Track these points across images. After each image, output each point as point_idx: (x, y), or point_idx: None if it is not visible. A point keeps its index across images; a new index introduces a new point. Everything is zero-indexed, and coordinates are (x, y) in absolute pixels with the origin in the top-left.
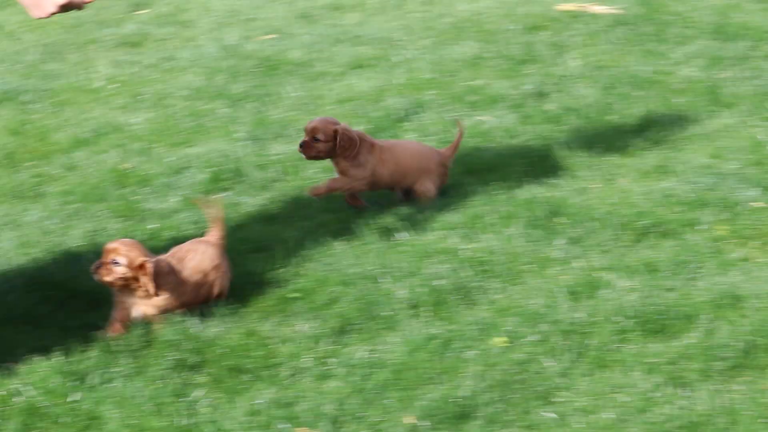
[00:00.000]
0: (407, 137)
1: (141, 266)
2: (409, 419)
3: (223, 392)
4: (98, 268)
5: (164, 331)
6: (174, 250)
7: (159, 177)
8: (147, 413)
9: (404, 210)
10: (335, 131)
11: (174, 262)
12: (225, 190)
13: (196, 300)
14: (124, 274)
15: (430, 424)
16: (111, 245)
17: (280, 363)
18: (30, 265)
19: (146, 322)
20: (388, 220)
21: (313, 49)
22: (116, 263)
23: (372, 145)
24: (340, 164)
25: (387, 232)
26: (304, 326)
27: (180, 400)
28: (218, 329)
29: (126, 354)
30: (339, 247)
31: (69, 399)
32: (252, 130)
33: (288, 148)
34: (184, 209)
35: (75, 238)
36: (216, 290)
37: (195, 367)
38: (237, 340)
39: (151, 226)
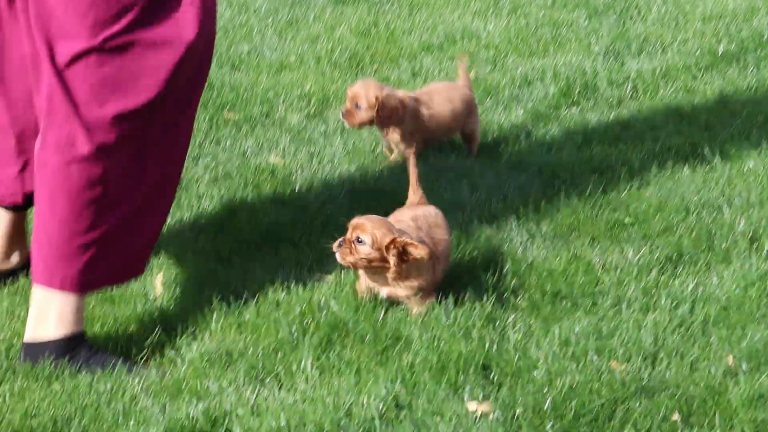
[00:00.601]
0: None
1: (390, 244)
2: (728, 359)
3: (538, 319)
4: (339, 246)
5: (483, 252)
6: (399, 215)
7: (506, 88)
8: (454, 337)
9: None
10: (376, 99)
11: (424, 236)
12: (573, 105)
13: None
14: (368, 255)
15: (747, 366)
16: (356, 221)
17: (603, 291)
18: (356, 174)
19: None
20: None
21: None
22: (361, 242)
23: (416, 110)
24: (388, 129)
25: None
26: (634, 255)
27: (491, 324)
28: (542, 252)
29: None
30: (684, 172)
31: (375, 317)
32: (611, 44)
33: (647, 65)
34: (528, 124)
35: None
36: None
37: (513, 291)
38: (560, 265)
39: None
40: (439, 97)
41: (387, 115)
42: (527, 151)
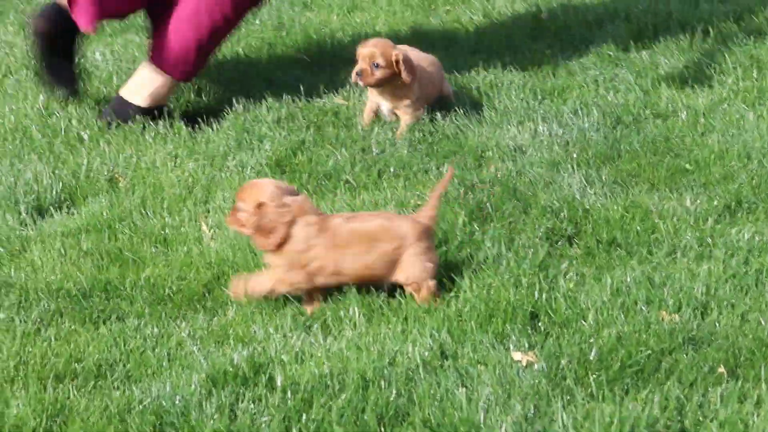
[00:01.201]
0: None
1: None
2: None
3: (591, 267)
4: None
5: (543, 197)
6: None
7: (576, 28)
8: (504, 284)
9: None
10: (396, 56)
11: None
12: (644, 48)
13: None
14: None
15: None
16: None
17: (658, 240)
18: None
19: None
20: None
21: None
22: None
23: (423, 70)
24: (396, 93)
25: None
26: (692, 202)
27: (543, 272)
28: (600, 198)
29: (498, 217)
30: (749, 117)
31: None
32: None
33: (722, 7)
34: (595, 67)
35: (479, 89)
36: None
37: (568, 238)
38: (617, 212)
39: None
40: (425, 62)
41: (409, 70)
42: (593, 95)
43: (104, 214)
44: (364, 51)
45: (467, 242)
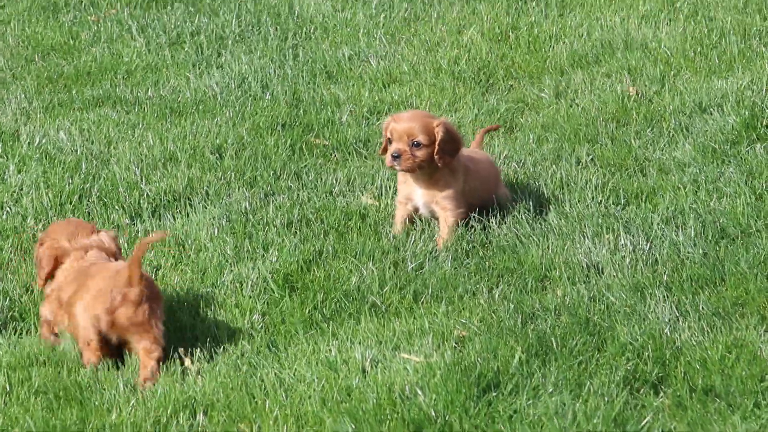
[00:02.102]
0: None
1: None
2: None
3: (682, 422)
4: (396, 158)
5: (623, 330)
6: None
7: (673, 115)
8: None
9: None
10: (437, 126)
11: None
12: (758, 140)
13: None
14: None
15: None
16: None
17: None
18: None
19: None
20: None
21: None
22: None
23: (469, 160)
24: (436, 180)
25: None
26: None
27: (619, 428)
28: (695, 334)
29: (565, 355)
30: None
31: (469, 406)
32: None
33: None
34: (695, 163)
35: (546, 187)
36: None
37: (653, 383)
38: (717, 352)
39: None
40: (476, 156)
41: (451, 147)
42: (691, 199)
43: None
44: (399, 127)
45: (524, 386)
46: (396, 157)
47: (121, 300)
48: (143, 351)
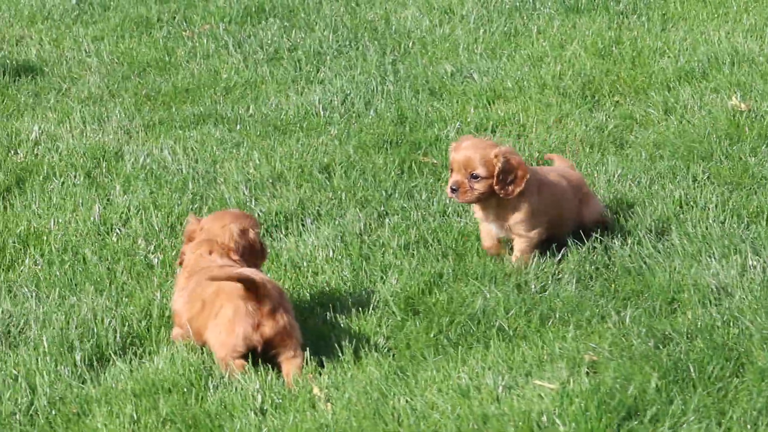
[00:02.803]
0: None
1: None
2: None
3: None
4: (455, 191)
5: (761, 355)
6: None
7: None
8: None
9: None
10: (496, 157)
11: None
12: None
13: None
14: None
15: None
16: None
17: None
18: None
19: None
20: None
21: None
22: (476, 177)
23: (543, 180)
24: (503, 208)
25: None
26: None
27: None
28: None
29: (704, 381)
30: None
31: None
32: None
33: None
34: None
35: (665, 206)
36: None
37: None
38: None
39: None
40: (554, 174)
41: (511, 178)
42: None
43: (186, 366)
44: (458, 157)
45: (664, 414)
46: (455, 190)
47: (257, 321)
48: (284, 360)
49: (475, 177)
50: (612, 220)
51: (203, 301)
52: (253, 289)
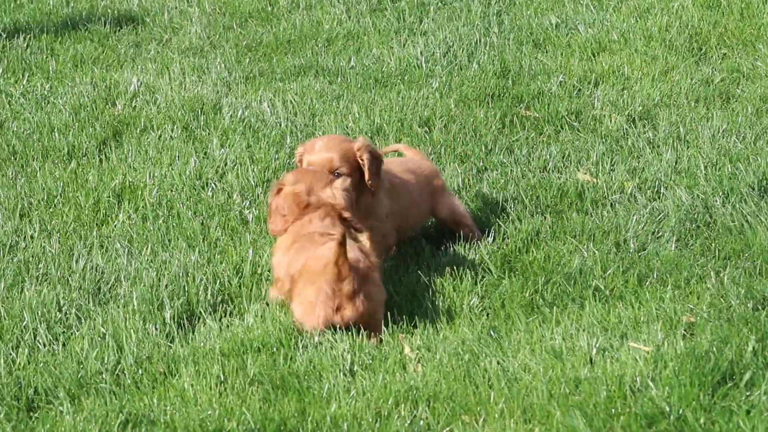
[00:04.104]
0: None
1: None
2: None
3: None
4: None
5: None
6: None
7: None
8: None
9: None
10: (358, 150)
11: None
12: None
13: None
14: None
15: None
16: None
17: None
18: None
19: None
20: None
21: None
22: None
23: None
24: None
25: None
26: None
27: None
28: None
29: None
30: None
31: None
32: None
33: None
34: None
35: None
36: None
37: None
38: None
39: None
40: (400, 168)
41: (375, 169)
42: None
43: (276, 325)
44: (312, 157)
45: (760, 378)
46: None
47: (337, 304)
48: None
49: (338, 176)
50: (471, 226)
51: (292, 277)
52: (342, 269)
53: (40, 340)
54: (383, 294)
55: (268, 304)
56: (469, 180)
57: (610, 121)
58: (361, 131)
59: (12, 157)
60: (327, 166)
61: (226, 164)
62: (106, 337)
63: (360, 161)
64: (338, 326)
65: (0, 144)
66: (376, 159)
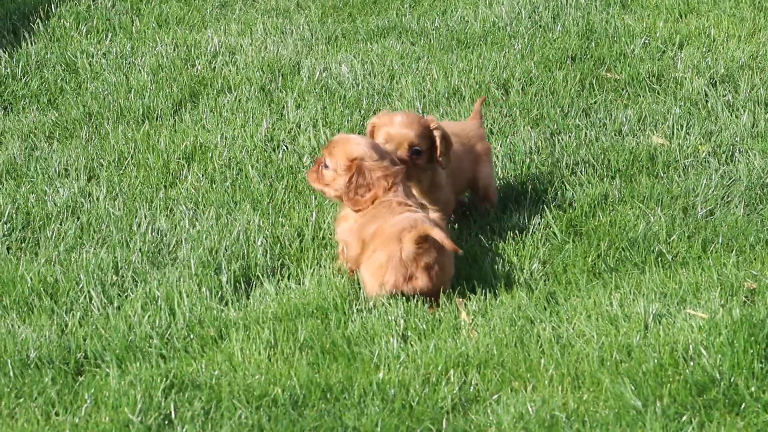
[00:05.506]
0: None
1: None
2: None
3: None
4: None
5: None
6: None
7: None
8: None
9: None
10: (433, 131)
11: None
12: None
13: None
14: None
15: None
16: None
17: None
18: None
19: None
20: None
21: None
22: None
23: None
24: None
25: None
26: None
27: None
28: None
29: None
30: None
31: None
32: None
33: None
34: None
35: None
36: None
37: None
38: None
39: None
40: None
41: (447, 148)
42: None
43: (333, 288)
44: (392, 132)
45: None
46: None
47: (409, 273)
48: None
49: (417, 152)
50: (495, 203)
51: (363, 241)
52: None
53: (95, 304)
54: (453, 268)
55: (325, 269)
56: (541, 143)
57: (691, 83)
58: (438, 93)
59: (87, 118)
60: (407, 141)
61: (299, 126)
62: (158, 300)
63: (434, 139)
64: (404, 294)
65: (77, 105)
66: (446, 138)
